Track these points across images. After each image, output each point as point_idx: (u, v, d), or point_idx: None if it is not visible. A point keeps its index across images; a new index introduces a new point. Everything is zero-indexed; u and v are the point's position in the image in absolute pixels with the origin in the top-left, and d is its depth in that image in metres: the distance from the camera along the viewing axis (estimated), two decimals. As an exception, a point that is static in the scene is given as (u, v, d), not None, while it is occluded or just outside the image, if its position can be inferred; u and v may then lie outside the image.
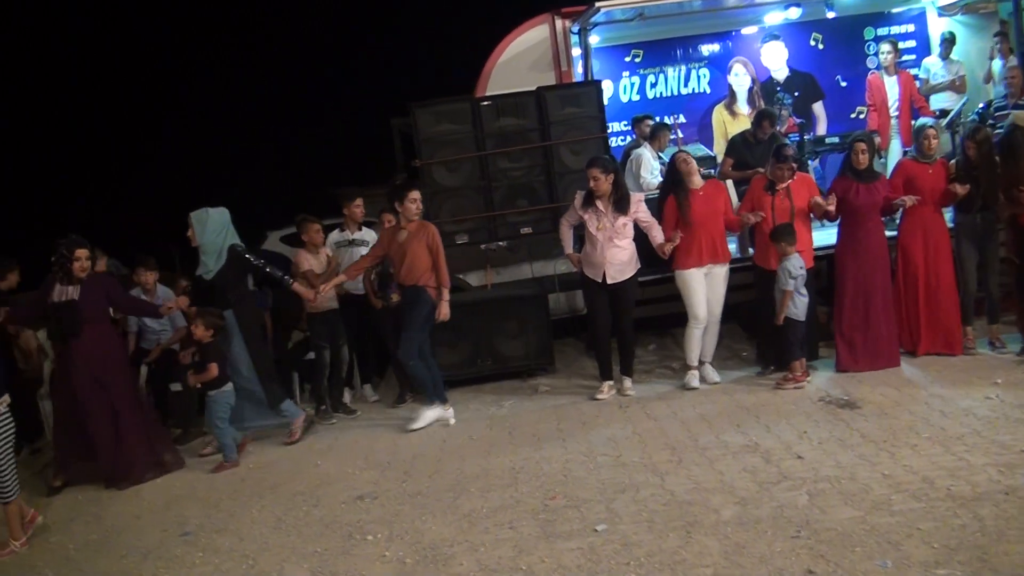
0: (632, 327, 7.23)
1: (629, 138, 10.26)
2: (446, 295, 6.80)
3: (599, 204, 6.95)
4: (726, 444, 5.47)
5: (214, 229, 6.82)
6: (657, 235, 6.99)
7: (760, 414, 6.04)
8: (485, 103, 8.48)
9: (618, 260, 6.97)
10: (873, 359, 6.85)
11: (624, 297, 7.08)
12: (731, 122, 10.52)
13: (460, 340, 7.92)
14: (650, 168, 8.88)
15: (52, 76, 23.76)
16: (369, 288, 7.82)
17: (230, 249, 6.83)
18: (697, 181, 7.04)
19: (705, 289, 7.00)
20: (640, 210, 7.03)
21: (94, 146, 23.59)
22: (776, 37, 10.58)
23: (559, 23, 9.30)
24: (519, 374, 8.05)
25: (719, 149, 9.97)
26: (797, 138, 9.33)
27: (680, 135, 9.93)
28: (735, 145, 8.64)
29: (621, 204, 6.96)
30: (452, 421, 6.82)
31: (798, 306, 6.69)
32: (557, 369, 8.20)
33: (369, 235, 8.13)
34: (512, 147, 8.40)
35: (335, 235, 8.26)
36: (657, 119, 9.64)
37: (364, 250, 7.90)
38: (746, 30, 10.65)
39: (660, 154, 9.16)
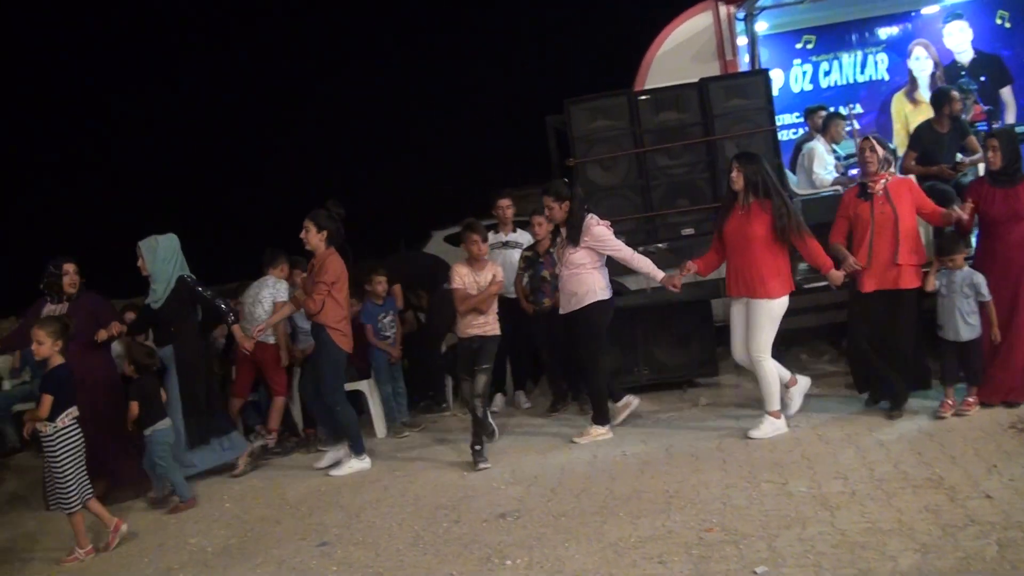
0: (591, 362, 6.55)
1: (801, 131, 9.57)
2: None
3: (562, 232, 6.59)
4: (906, 476, 4.82)
5: (163, 257, 6.60)
6: (642, 266, 6.44)
7: (944, 442, 5.33)
8: (643, 97, 8.05)
9: (568, 290, 6.50)
10: (1009, 391, 5.88)
11: (577, 330, 6.55)
12: (912, 111, 9.60)
13: (616, 347, 7.49)
14: (824, 163, 8.18)
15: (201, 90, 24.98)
16: (521, 293, 7.54)
17: (179, 280, 6.61)
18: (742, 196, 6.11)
19: (739, 324, 6.17)
20: (597, 238, 6.43)
21: (248, 149, 24.60)
22: (959, 16, 9.56)
23: (723, 10, 8.69)
24: (678, 385, 7.58)
25: (899, 141, 9.12)
26: (985, 127, 8.38)
27: (856, 126, 9.15)
28: (920, 136, 7.76)
29: (572, 234, 6.46)
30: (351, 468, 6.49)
31: (971, 321, 5.85)
32: (719, 381, 7.67)
33: (524, 237, 7.87)
34: (672, 143, 7.94)
35: (489, 237, 8.05)
36: (831, 109, 8.92)
37: (518, 253, 7.64)
38: (926, 10, 9.68)
39: (835, 147, 8.47)
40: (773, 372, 6.04)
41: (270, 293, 7.31)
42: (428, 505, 5.42)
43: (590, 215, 6.53)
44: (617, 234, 6.86)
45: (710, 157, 7.91)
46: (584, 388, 7.22)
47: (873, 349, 6.09)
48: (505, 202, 7.87)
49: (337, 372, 6.57)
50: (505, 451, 6.43)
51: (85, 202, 22.36)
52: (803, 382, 6.36)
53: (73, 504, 5.31)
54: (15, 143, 22.27)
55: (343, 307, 6.51)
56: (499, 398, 7.92)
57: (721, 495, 4.88)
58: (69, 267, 6.47)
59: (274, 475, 6.71)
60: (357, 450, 6.56)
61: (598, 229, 6.43)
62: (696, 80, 8.03)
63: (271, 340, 7.27)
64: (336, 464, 6.57)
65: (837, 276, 5.99)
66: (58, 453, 5.30)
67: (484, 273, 6.40)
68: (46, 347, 5.39)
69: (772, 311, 5.94)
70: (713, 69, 8.55)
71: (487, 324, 6.39)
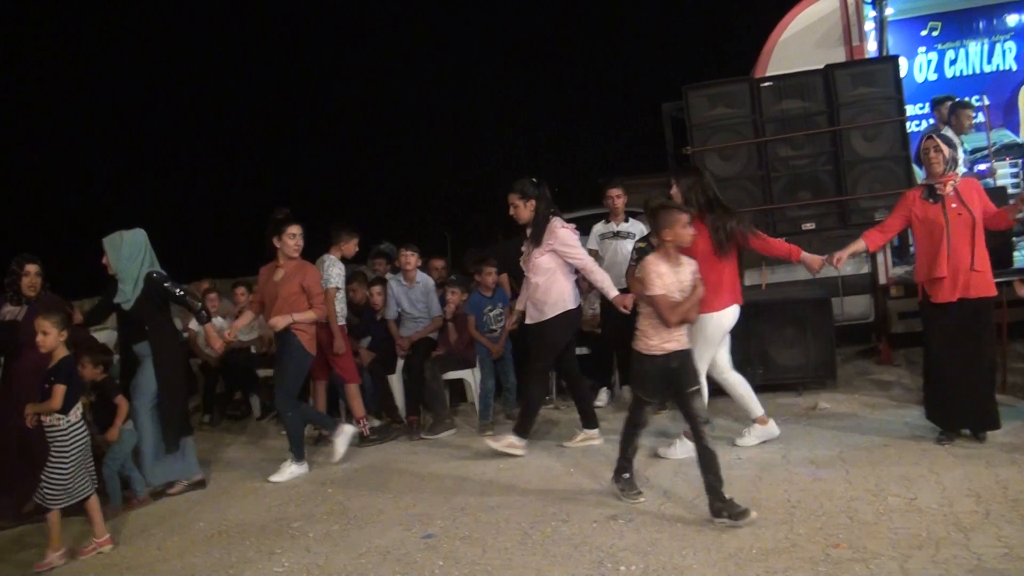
0: (539, 374, 6.41)
1: (925, 122, 9.09)
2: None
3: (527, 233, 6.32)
4: (1045, 497, 4.45)
5: (129, 255, 6.14)
6: (599, 279, 6.16)
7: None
8: (766, 84, 7.74)
9: (536, 298, 6.20)
10: None
11: (535, 341, 6.28)
12: (1041, 103, 9.03)
13: (802, 341, 7.17)
14: (952, 157, 7.72)
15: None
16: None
17: (147, 277, 6.18)
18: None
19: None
20: (562, 241, 6.11)
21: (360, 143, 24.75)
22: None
23: (851, -8, 8.29)
24: (794, 387, 7.24)
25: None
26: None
27: (983, 118, 8.63)
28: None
29: (536, 235, 6.17)
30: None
31: None
32: (838, 385, 7.30)
33: (636, 227, 7.64)
34: (795, 132, 7.60)
35: (600, 227, 7.87)
36: (956, 100, 8.43)
37: (630, 244, 7.43)
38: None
39: (962, 139, 7.98)
40: (740, 382, 5.88)
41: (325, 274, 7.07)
42: (535, 502, 5.26)
43: (555, 217, 6.25)
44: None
45: (834, 148, 7.58)
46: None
47: (954, 367, 5.57)
48: (615, 191, 7.65)
49: (299, 376, 6.54)
50: (614, 449, 6.22)
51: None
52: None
53: (59, 502, 5.09)
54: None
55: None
56: (604, 393, 7.72)
57: (846, 508, 4.59)
58: (31, 268, 6.18)
59: (376, 462, 6.64)
60: (297, 457, 6.51)
61: (563, 232, 6.16)
62: (821, 67, 7.68)
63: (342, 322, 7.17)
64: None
65: (814, 260, 5.67)
66: (69, 448, 5.12)
67: (683, 269, 4.89)
68: (51, 337, 5.18)
69: (706, 328, 5.55)
70: (839, 55, 8.16)
71: (684, 334, 4.97)
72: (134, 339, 6.19)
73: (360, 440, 7.08)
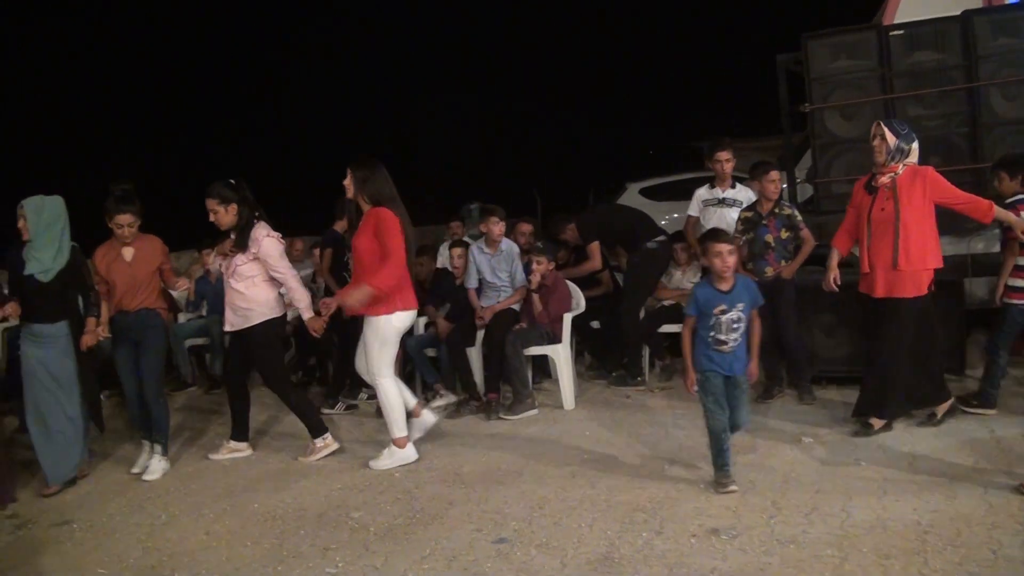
0: (275, 387, 6.14)
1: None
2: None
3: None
4: None
5: (49, 221, 5.63)
6: (298, 297, 5.93)
7: None
8: (895, 32, 6.85)
9: (235, 305, 5.92)
10: None
11: (248, 350, 6.00)
12: None
13: (844, 329, 6.46)
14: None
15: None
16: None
17: (72, 249, 5.72)
18: None
19: None
20: (264, 253, 5.81)
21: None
22: None
23: (993, -73, 7.30)
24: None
25: None
26: None
27: None
28: None
29: (241, 241, 5.85)
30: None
31: None
32: (968, 375, 6.48)
33: (744, 194, 6.92)
34: (927, 89, 6.73)
35: (703, 192, 7.22)
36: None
37: (736, 212, 6.72)
38: None
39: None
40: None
41: None
42: (624, 505, 4.64)
43: (261, 223, 5.89)
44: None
45: (971, 108, 6.68)
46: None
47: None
48: (724, 154, 6.91)
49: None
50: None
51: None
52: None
53: None
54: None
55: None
56: None
57: (987, 539, 3.84)
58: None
59: (450, 445, 6.10)
60: (162, 450, 6.03)
61: (267, 242, 5.82)
62: (958, 13, 6.76)
63: None
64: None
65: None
66: None
67: None
68: None
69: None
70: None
71: None
72: (47, 318, 5.66)
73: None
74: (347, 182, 5.64)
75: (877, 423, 5.46)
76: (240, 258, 5.87)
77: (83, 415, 5.86)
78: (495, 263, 7.07)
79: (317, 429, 6.04)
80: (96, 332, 5.78)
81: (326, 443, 6.01)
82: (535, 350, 6.91)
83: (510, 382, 6.77)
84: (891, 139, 5.19)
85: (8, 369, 6.32)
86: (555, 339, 6.91)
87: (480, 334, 7.02)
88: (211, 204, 5.86)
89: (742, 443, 5.28)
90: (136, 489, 5.68)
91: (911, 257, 5.18)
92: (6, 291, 5.84)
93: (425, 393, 7.19)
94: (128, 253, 5.92)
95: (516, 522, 4.54)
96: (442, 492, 5.12)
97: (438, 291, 7.44)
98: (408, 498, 5.07)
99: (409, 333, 7.13)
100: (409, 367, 7.31)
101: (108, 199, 5.88)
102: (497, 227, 7.01)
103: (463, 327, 7.05)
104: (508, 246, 7.11)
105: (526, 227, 7.98)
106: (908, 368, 5.37)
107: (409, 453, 5.72)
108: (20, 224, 5.61)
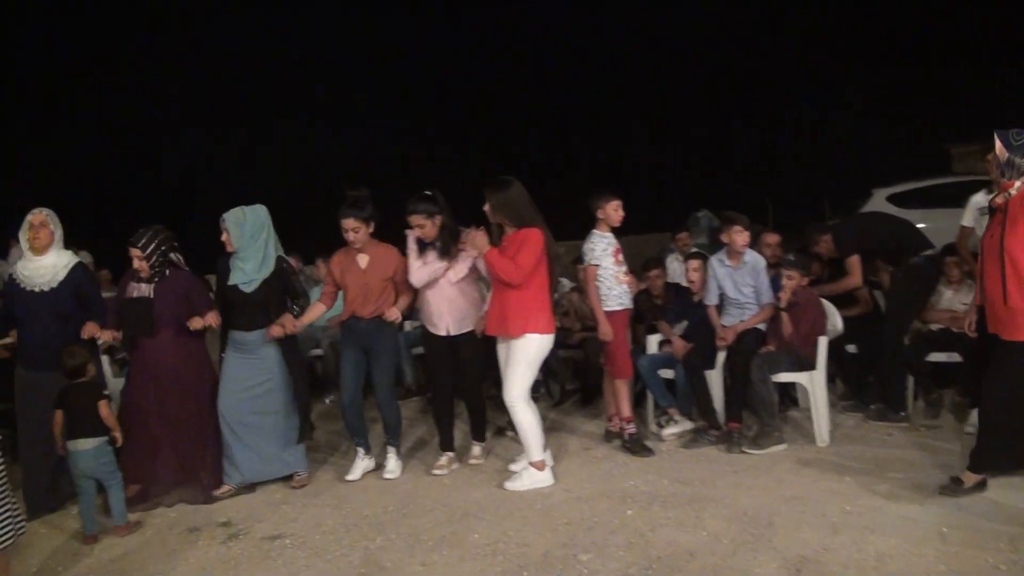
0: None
1: None
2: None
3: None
4: None
5: (253, 231, 5.62)
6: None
7: None
8: None
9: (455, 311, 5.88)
10: None
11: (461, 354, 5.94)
12: None
13: None
14: None
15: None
16: None
17: (278, 260, 5.69)
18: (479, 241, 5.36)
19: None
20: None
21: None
22: None
23: None
24: None
25: None
26: None
27: None
28: None
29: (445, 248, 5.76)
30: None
31: None
32: None
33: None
34: None
35: (979, 198, 6.37)
36: None
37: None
38: None
39: None
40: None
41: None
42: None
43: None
44: None
45: None
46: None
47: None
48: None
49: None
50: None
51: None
52: None
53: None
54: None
55: None
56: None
57: None
58: (133, 252, 5.56)
59: (687, 480, 5.44)
60: (396, 452, 6.01)
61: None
62: None
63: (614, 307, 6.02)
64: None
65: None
66: None
67: None
68: None
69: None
70: None
71: None
72: (249, 326, 5.68)
73: (623, 444, 6.12)
74: (486, 207, 5.42)
75: (970, 478, 4.78)
76: (463, 262, 5.79)
77: (287, 424, 5.80)
78: (738, 277, 6.35)
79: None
80: (287, 325, 5.67)
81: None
82: (784, 376, 6.14)
83: (755, 412, 6.04)
84: (1001, 152, 4.59)
85: None
86: (806, 365, 6.11)
87: (721, 356, 6.33)
88: (417, 220, 5.70)
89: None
90: (352, 505, 5.41)
91: (1020, 295, 4.46)
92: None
93: (658, 418, 6.59)
94: (363, 260, 5.81)
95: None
96: (680, 539, 4.49)
97: (674, 307, 6.80)
98: (642, 543, 4.48)
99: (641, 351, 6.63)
100: (639, 386, 6.72)
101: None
102: (741, 237, 6.28)
103: (702, 348, 6.38)
104: (753, 258, 6.37)
105: (772, 238, 7.20)
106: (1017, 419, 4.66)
107: (546, 477, 5.49)
108: (224, 237, 5.67)
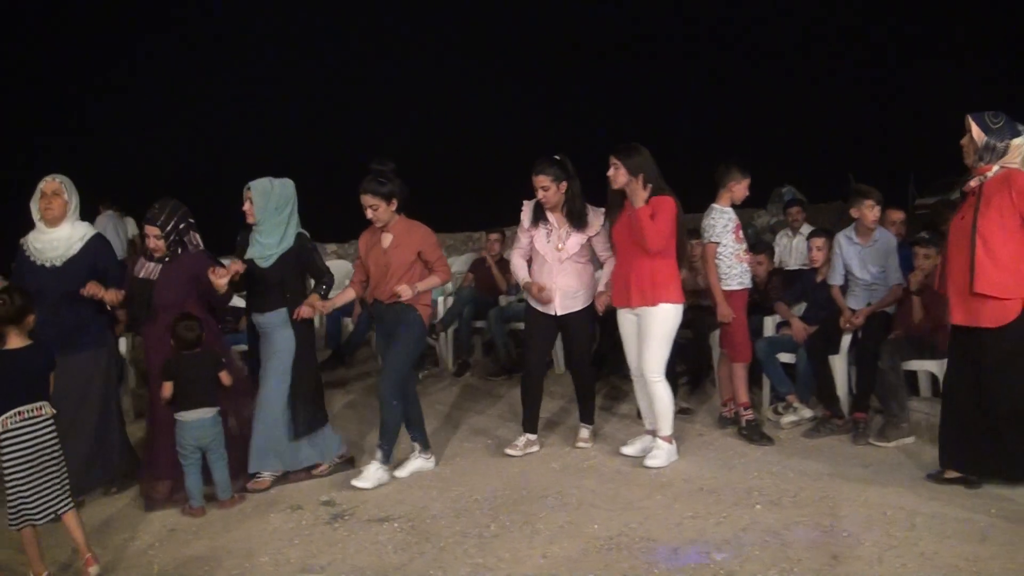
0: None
1: None
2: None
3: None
4: None
5: (278, 204, 5.26)
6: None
7: None
8: None
9: (574, 287, 5.58)
10: None
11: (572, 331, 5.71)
12: None
13: None
14: None
15: None
16: None
17: (299, 236, 5.33)
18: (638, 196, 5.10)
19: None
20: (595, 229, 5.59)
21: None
22: None
23: None
24: None
25: None
26: None
27: None
28: None
29: (577, 218, 5.53)
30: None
31: None
32: None
33: None
34: None
35: None
36: None
37: None
38: None
39: None
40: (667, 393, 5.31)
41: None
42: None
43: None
44: None
45: None
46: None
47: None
48: None
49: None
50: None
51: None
52: None
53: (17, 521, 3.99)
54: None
55: None
56: None
57: None
58: (149, 230, 5.18)
59: (817, 475, 5.10)
60: (383, 457, 5.40)
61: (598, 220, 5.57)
62: None
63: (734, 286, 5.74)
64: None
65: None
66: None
67: None
68: None
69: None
70: None
71: None
72: (264, 307, 5.33)
73: (739, 431, 5.84)
74: (612, 173, 5.19)
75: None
76: (574, 237, 5.50)
77: (289, 412, 5.34)
78: (866, 255, 5.96)
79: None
80: (316, 305, 5.34)
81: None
82: (913, 364, 5.75)
83: (883, 401, 5.67)
84: (978, 136, 4.43)
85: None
86: (938, 352, 5.69)
87: (846, 340, 5.95)
88: (542, 181, 5.41)
89: None
90: (461, 488, 5.19)
91: (990, 280, 4.33)
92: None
93: (775, 404, 6.24)
94: (387, 239, 5.35)
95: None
96: (820, 541, 4.16)
97: (795, 288, 6.43)
98: (778, 543, 4.17)
99: (758, 334, 6.31)
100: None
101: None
102: (872, 212, 5.92)
103: (826, 331, 6.00)
104: (884, 236, 5.98)
105: (897, 215, 6.79)
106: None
107: (674, 449, 5.41)
108: (246, 207, 5.30)
